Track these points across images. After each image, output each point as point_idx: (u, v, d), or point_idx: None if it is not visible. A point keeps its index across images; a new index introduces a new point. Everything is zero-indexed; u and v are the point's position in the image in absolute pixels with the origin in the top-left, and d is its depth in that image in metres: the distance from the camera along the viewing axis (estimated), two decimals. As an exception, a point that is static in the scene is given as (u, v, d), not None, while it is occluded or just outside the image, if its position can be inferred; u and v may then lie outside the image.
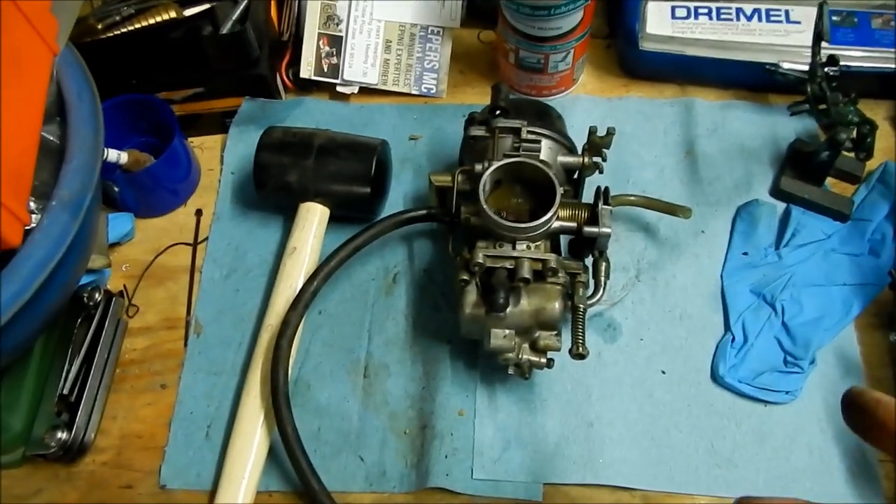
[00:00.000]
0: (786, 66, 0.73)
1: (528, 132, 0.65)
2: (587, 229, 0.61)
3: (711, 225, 0.74)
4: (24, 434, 0.61)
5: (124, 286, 0.72)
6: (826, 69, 0.66)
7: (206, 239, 0.76)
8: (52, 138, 0.55)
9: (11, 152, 0.49)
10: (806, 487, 0.62)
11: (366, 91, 0.83)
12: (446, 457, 0.64)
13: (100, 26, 0.72)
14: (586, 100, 0.82)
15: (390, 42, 0.82)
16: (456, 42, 0.84)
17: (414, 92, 0.83)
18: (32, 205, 0.51)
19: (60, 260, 0.51)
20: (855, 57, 0.75)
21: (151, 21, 0.72)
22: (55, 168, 0.54)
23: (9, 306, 0.48)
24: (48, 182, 0.53)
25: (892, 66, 0.75)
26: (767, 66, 0.74)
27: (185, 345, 0.70)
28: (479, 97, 0.83)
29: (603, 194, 0.63)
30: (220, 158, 0.80)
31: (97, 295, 0.67)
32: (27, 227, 0.50)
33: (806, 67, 0.69)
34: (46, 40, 0.54)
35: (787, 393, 0.65)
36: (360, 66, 0.82)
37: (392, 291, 0.72)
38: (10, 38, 0.50)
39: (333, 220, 0.73)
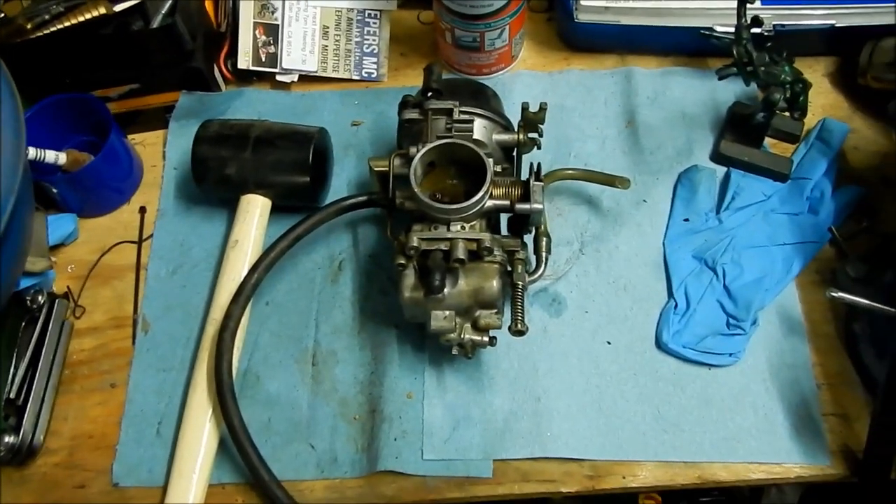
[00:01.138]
0: (720, 29, 0.73)
1: (461, 112, 0.65)
2: (519, 206, 0.61)
3: (653, 193, 0.74)
4: (-29, 440, 0.62)
5: (68, 287, 0.72)
6: (756, 30, 0.65)
7: (151, 236, 0.75)
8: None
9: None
10: (752, 447, 0.63)
11: (306, 79, 0.83)
12: (395, 440, 0.64)
13: (29, 26, 0.71)
14: (527, 75, 0.82)
15: (327, 28, 0.82)
16: (395, 24, 0.84)
17: (355, 77, 0.83)
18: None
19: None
20: (793, 15, 0.75)
21: (81, 18, 0.72)
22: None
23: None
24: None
25: (828, 22, 0.75)
26: (702, 31, 0.74)
27: (134, 343, 0.70)
28: (420, 79, 0.82)
29: (535, 171, 0.63)
30: (162, 154, 0.80)
31: (40, 297, 0.67)
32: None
33: (735, 30, 0.69)
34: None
35: (730, 355, 0.66)
36: (298, 54, 0.81)
37: (338, 279, 0.72)
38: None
39: (277, 210, 0.73)
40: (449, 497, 0.63)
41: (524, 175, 0.68)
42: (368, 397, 0.67)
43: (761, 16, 0.65)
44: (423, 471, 0.63)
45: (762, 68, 0.65)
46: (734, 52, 0.66)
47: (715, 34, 0.73)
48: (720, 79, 0.69)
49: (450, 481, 0.63)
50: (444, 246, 0.60)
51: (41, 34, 0.72)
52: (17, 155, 0.54)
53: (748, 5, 0.65)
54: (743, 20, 0.65)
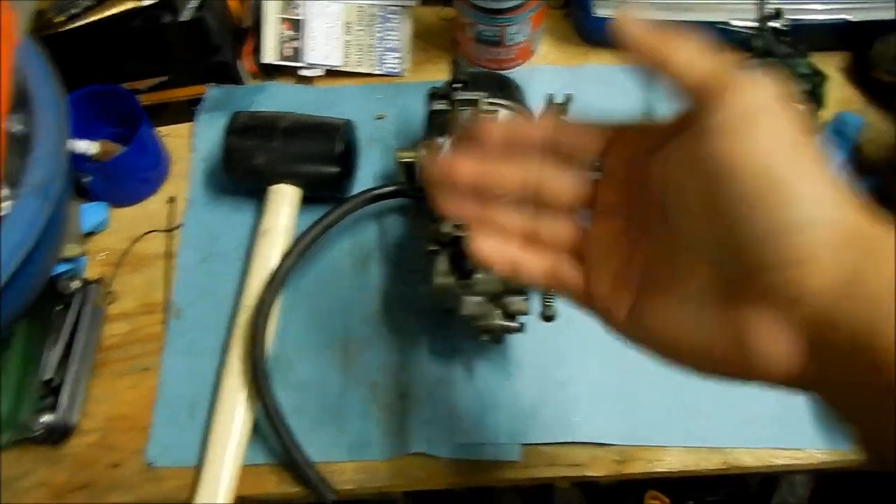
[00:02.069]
0: (736, 23, 0.74)
1: (487, 103, 0.67)
2: (549, 193, 0.63)
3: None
4: (9, 418, 0.63)
5: (101, 274, 0.73)
6: (773, 23, 0.67)
7: (181, 225, 0.77)
8: (19, 127, 0.56)
9: (-22, 142, 0.50)
10: (775, 432, 0.64)
11: (330, 73, 0.84)
12: (426, 423, 0.65)
13: (59, 19, 0.73)
14: (546, 70, 0.83)
15: (350, 23, 0.83)
16: (417, 20, 0.86)
17: (377, 72, 0.84)
18: (5, 192, 0.52)
19: (34, 246, 0.52)
20: (807, 10, 0.77)
21: (110, 11, 0.73)
22: (23, 158, 0.55)
23: (-16, 292, 0.49)
24: (16, 172, 0.54)
25: (843, 17, 0.77)
26: (719, 25, 0.76)
27: (165, 329, 0.71)
28: (441, 74, 0.84)
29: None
30: (189, 146, 0.81)
31: (74, 283, 0.68)
32: (-1, 215, 0.51)
33: (755, 24, 0.71)
34: (6, 30, 0.55)
35: (751, 342, 0.67)
36: (322, 49, 0.83)
37: (367, 267, 0.74)
38: (-29, 32, 0.51)
39: (306, 201, 0.74)
40: (478, 480, 0.64)
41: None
42: (397, 382, 0.68)
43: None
44: (453, 454, 0.65)
45: (782, 61, 0.67)
46: (753, 44, 0.67)
47: (731, 28, 0.75)
48: (742, 71, 0.70)
49: (478, 464, 0.64)
50: (474, 232, 0.61)
51: (71, 27, 0.73)
52: (61, 139, 0.56)
53: (767, -1, 0.67)
54: (763, 13, 0.66)
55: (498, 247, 0.39)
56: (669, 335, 0.35)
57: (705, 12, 0.77)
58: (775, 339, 0.30)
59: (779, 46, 0.67)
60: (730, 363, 0.33)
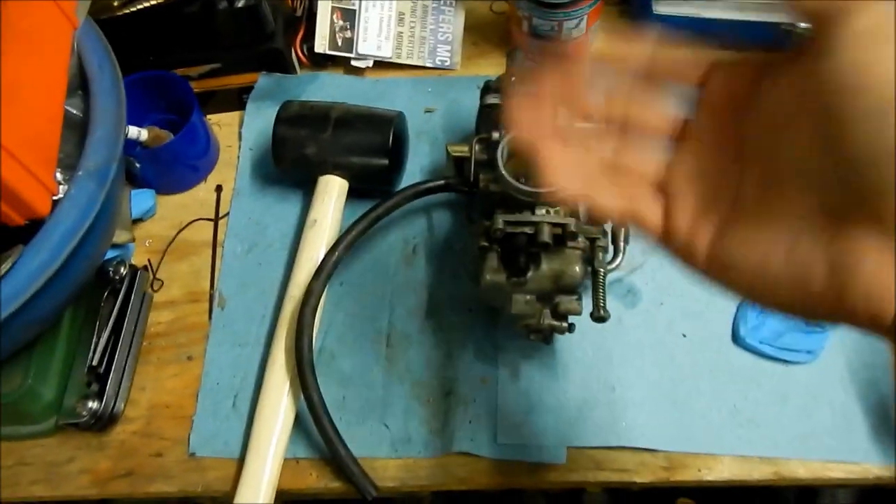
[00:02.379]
0: (802, 24, 0.72)
1: (545, 98, 0.65)
2: (606, 192, 0.61)
3: (730, 188, 0.73)
4: (55, 403, 0.63)
5: (148, 261, 0.73)
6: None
7: (227, 214, 0.76)
8: (75, 111, 0.56)
9: (37, 123, 0.50)
10: (828, 445, 0.62)
11: (380, 65, 0.83)
12: (470, 422, 0.64)
13: (116, 2, 0.73)
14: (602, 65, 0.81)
15: (403, 15, 0.82)
16: (469, 13, 0.84)
17: (428, 64, 0.83)
18: (59, 176, 0.52)
19: (87, 230, 0.51)
20: None
21: (167, -3, 0.73)
22: (79, 141, 0.54)
23: (38, 275, 0.49)
24: (73, 154, 0.54)
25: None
26: (784, 26, 0.73)
27: (210, 318, 0.71)
28: (493, 68, 0.83)
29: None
30: (237, 134, 0.81)
31: (122, 269, 0.68)
32: (54, 198, 0.51)
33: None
34: (67, 14, 0.55)
35: (808, 353, 0.65)
36: (374, 40, 0.82)
37: (412, 262, 0.73)
38: (32, 12, 0.51)
39: (352, 192, 0.74)
40: (522, 481, 0.63)
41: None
42: (442, 380, 0.67)
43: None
44: (497, 454, 0.63)
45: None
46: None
47: (798, 29, 0.73)
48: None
49: (523, 465, 0.63)
50: (528, 230, 0.60)
51: (128, 11, 0.73)
52: (118, 124, 0.55)
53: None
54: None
55: (573, 168, 0.35)
56: (759, 268, 0.32)
57: (771, 12, 0.75)
58: (881, 270, 0.29)
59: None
60: (825, 297, 0.30)
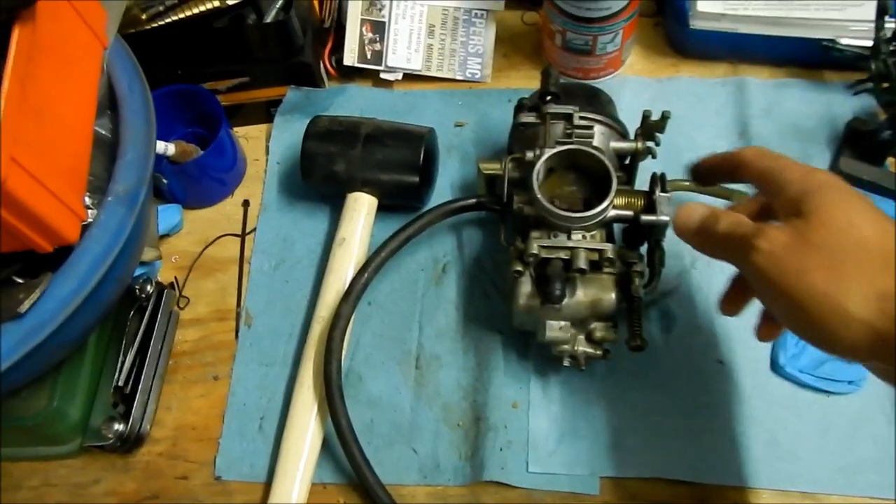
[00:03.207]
0: (844, 41, 0.70)
1: (581, 118, 0.63)
2: (644, 218, 0.60)
3: (769, 209, 0.72)
4: (81, 424, 0.62)
5: (175, 278, 0.72)
6: (892, 45, 0.63)
7: (254, 230, 0.75)
8: (104, 132, 0.55)
9: (66, 147, 0.49)
10: (871, 480, 0.60)
11: (409, 77, 0.82)
12: (501, 449, 0.63)
13: (144, 16, 0.71)
14: (635, 81, 0.80)
15: (433, 27, 0.81)
16: (500, 25, 0.83)
17: (458, 77, 0.82)
18: (88, 200, 0.51)
19: (117, 254, 0.50)
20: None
21: (195, 10, 0.71)
22: (108, 162, 0.54)
23: (67, 303, 0.48)
24: (102, 176, 0.53)
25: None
26: (824, 43, 0.71)
27: (236, 336, 0.70)
28: (524, 81, 0.82)
29: (660, 181, 0.61)
30: (265, 148, 0.80)
31: (149, 287, 0.67)
32: (84, 223, 0.50)
33: (865, 43, 0.67)
34: (96, 32, 0.54)
35: (850, 383, 0.63)
36: (403, 52, 0.80)
37: (442, 281, 0.71)
38: (61, 31, 0.50)
39: (381, 209, 0.72)
40: (554, 511, 0.62)
41: (638, 184, 0.67)
42: (472, 404, 0.66)
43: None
44: (528, 483, 0.62)
45: (902, 86, 0.63)
46: (872, 66, 0.63)
47: (838, 46, 0.71)
48: (855, 94, 0.66)
49: (555, 495, 0.62)
50: (564, 255, 0.59)
51: (156, 25, 0.72)
52: (149, 146, 0.54)
53: (887, 18, 0.62)
54: (882, 33, 0.62)
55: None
56: None
57: (812, 29, 0.73)
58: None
59: (898, 71, 0.62)
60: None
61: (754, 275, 0.45)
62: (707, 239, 0.50)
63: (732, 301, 0.57)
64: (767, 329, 0.56)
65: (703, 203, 0.52)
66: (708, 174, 0.56)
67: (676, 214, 0.53)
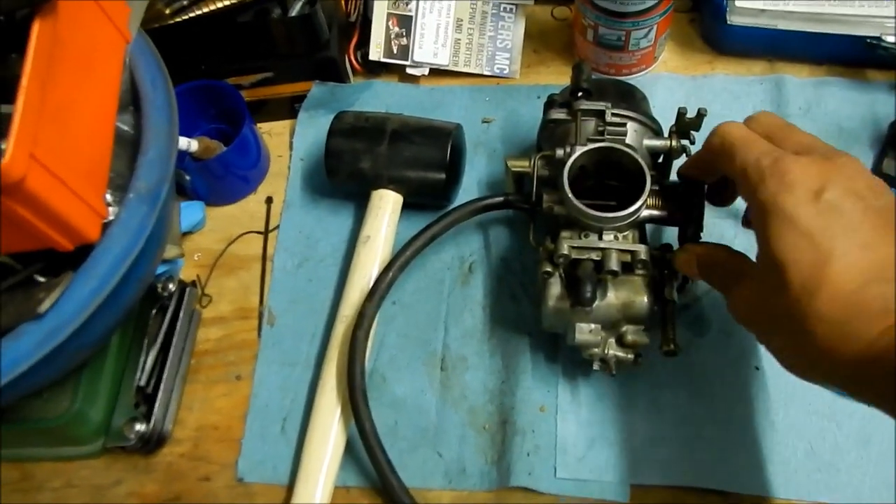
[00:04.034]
0: (890, 39, 0.68)
1: (613, 115, 0.62)
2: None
3: (807, 210, 0.69)
4: (103, 425, 0.61)
5: (197, 276, 0.72)
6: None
7: (277, 227, 0.74)
8: (126, 128, 0.54)
9: (87, 144, 0.48)
10: (916, 493, 0.58)
11: (436, 73, 0.80)
12: (528, 454, 0.61)
13: (168, 11, 0.71)
14: (668, 78, 0.77)
15: (461, 21, 0.79)
16: (529, 19, 0.81)
17: (486, 73, 0.80)
18: (109, 197, 0.50)
19: (139, 253, 0.49)
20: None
21: (219, 5, 0.70)
22: (130, 159, 0.52)
23: (88, 302, 0.47)
24: (123, 173, 0.52)
25: None
26: (869, 40, 0.69)
27: (259, 335, 0.69)
28: (553, 77, 0.80)
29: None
30: (288, 144, 0.79)
31: (171, 285, 0.66)
32: (105, 221, 0.49)
33: (912, 40, 0.65)
34: (119, 27, 0.53)
35: (893, 392, 0.61)
36: (430, 47, 0.79)
37: (468, 281, 0.70)
38: (83, 26, 0.49)
39: (406, 207, 0.71)
40: (582, 519, 0.60)
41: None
42: (499, 407, 0.64)
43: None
44: (556, 489, 0.60)
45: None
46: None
47: (883, 44, 0.68)
48: (901, 92, 0.64)
49: (583, 502, 0.60)
50: (595, 256, 0.57)
51: (179, 20, 0.71)
52: (171, 143, 0.53)
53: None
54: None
55: None
56: None
57: (854, 25, 0.70)
58: None
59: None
60: None
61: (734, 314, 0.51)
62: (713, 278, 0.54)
63: None
64: None
65: (690, 248, 0.56)
66: (698, 174, 0.58)
67: (677, 263, 0.57)
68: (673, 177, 0.63)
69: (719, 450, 0.60)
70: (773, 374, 0.63)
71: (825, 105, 0.74)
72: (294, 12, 0.71)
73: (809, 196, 0.43)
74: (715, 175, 0.56)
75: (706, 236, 0.59)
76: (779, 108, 0.74)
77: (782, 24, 0.73)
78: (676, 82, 0.77)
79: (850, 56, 0.74)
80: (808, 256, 0.42)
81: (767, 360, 0.63)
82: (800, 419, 0.61)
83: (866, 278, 0.41)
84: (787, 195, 0.43)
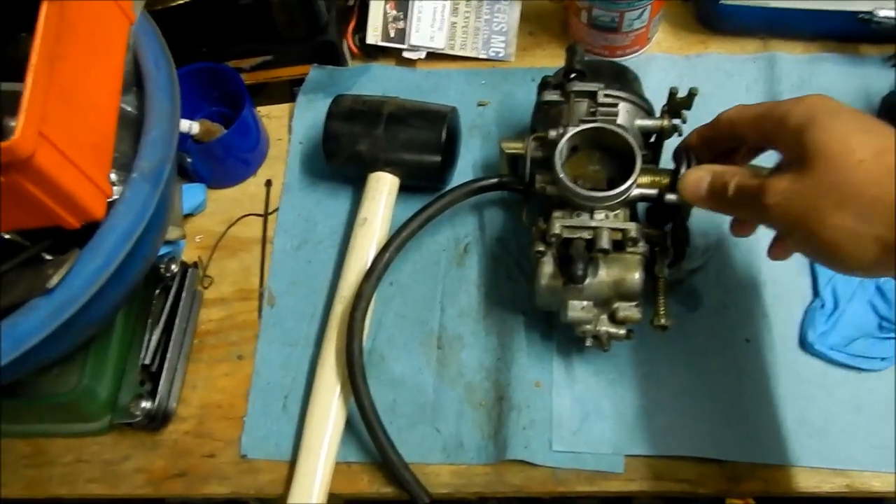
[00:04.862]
0: (882, 13, 0.68)
1: (605, 95, 0.62)
2: (669, 197, 0.59)
3: (798, 188, 0.70)
4: (110, 402, 0.63)
5: (199, 257, 0.73)
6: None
7: (277, 209, 0.75)
8: (129, 109, 0.55)
9: (93, 124, 0.49)
10: (905, 458, 0.59)
11: (433, 56, 0.81)
12: (524, 428, 0.63)
13: (169, -5, 0.72)
14: (662, 58, 0.78)
15: (458, 4, 0.80)
16: (525, 3, 0.82)
17: (482, 56, 0.81)
18: (113, 176, 0.51)
19: (142, 232, 0.51)
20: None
21: (220, -11, 0.72)
22: (134, 139, 0.54)
23: (95, 279, 0.48)
24: (127, 153, 0.53)
25: None
26: (861, 15, 0.70)
27: (260, 316, 0.70)
28: (549, 60, 0.81)
29: (686, 159, 0.60)
30: (287, 128, 0.80)
31: (174, 266, 0.68)
32: (109, 200, 0.50)
33: (903, 14, 0.65)
34: (123, 9, 0.54)
35: (882, 360, 0.62)
36: (426, 31, 0.80)
37: (464, 262, 0.71)
38: (89, 7, 0.50)
39: (403, 189, 0.72)
40: (578, 490, 0.61)
41: (664, 162, 0.66)
42: (495, 384, 0.66)
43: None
44: (552, 462, 0.62)
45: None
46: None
47: (875, 18, 0.69)
48: (893, 66, 0.65)
49: (579, 474, 0.62)
50: (587, 234, 0.58)
51: (181, 2, 0.72)
52: (173, 123, 0.54)
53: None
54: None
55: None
56: None
57: (847, 1, 0.71)
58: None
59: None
60: None
61: (770, 224, 0.49)
62: (719, 205, 0.52)
63: (742, 225, 0.58)
64: (780, 249, 0.57)
65: (706, 167, 0.54)
66: (702, 148, 0.58)
67: (683, 182, 0.54)
68: (666, 157, 0.64)
69: (712, 420, 0.62)
70: (764, 347, 0.64)
71: (818, 81, 0.75)
72: (293, -4, 0.72)
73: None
74: (716, 149, 0.57)
75: (695, 212, 0.61)
76: (772, 85, 0.75)
77: (775, 2, 0.73)
78: (670, 62, 0.78)
79: (843, 32, 0.75)
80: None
81: (758, 333, 0.65)
82: (791, 389, 0.63)
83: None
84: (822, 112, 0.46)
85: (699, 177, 0.53)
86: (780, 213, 0.46)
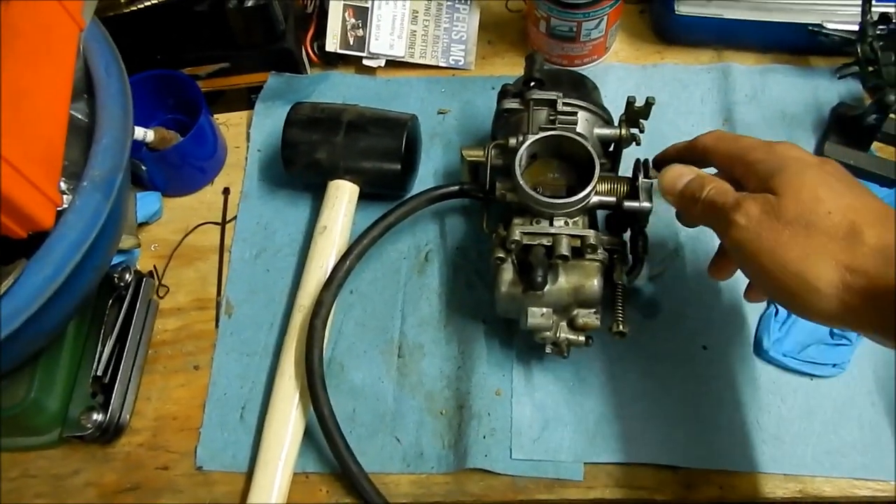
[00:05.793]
0: (830, 26, 0.70)
1: (564, 104, 0.63)
2: (627, 204, 0.59)
3: (753, 196, 0.71)
4: (60, 415, 0.61)
5: (154, 266, 0.72)
6: (879, 29, 0.63)
7: (235, 218, 0.74)
8: (80, 116, 0.54)
9: (41, 132, 0.48)
10: (857, 462, 0.60)
11: (392, 64, 0.81)
12: (484, 437, 0.63)
13: (123, 0, 0.71)
14: (619, 68, 0.79)
15: (417, 13, 0.80)
16: (484, 11, 0.82)
17: (442, 64, 0.81)
18: (63, 185, 0.50)
19: (93, 241, 0.50)
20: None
21: (175, -6, 0.71)
22: (84, 147, 0.52)
23: (42, 290, 0.47)
24: (77, 161, 0.52)
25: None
26: (811, 27, 0.71)
27: (217, 325, 0.69)
28: (508, 68, 0.81)
29: (643, 167, 0.61)
30: (245, 135, 0.79)
31: (128, 275, 0.66)
32: (59, 209, 0.49)
33: (851, 27, 0.67)
34: (72, 15, 0.53)
35: (834, 366, 0.63)
36: (386, 39, 0.80)
37: (424, 270, 0.71)
38: (36, 13, 0.49)
39: (362, 197, 0.72)
40: (538, 498, 0.61)
41: (622, 171, 0.67)
42: (455, 392, 0.65)
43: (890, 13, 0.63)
44: (512, 470, 0.62)
45: (885, 68, 0.62)
46: (858, 50, 0.63)
47: (824, 31, 0.71)
48: (840, 77, 0.66)
49: (539, 482, 0.62)
50: (546, 241, 0.58)
51: (135, 9, 0.71)
52: (126, 131, 0.53)
53: (873, 2, 0.62)
54: (868, 17, 0.62)
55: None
56: None
57: (798, 13, 0.73)
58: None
59: (885, 54, 0.62)
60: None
61: (733, 248, 0.48)
62: (690, 203, 0.52)
63: (720, 267, 0.59)
64: (754, 292, 0.60)
65: (691, 167, 0.54)
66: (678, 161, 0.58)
67: (664, 175, 0.55)
68: (625, 165, 0.65)
69: (670, 427, 0.62)
70: (721, 354, 0.65)
71: (770, 91, 0.77)
72: (250, 2, 0.71)
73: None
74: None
75: (654, 221, 0.61)
76: (726, 95, 0.77)
77: (729, 13, 0.75)
78: (627, 72, 0.79)
79: (794, 43, 0.77)
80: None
81: (715, 341, 0.65)
82: (747, 395, 0.63)
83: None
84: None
85: (681, 173, 0.54)
86: (744, 240, 0.46)
